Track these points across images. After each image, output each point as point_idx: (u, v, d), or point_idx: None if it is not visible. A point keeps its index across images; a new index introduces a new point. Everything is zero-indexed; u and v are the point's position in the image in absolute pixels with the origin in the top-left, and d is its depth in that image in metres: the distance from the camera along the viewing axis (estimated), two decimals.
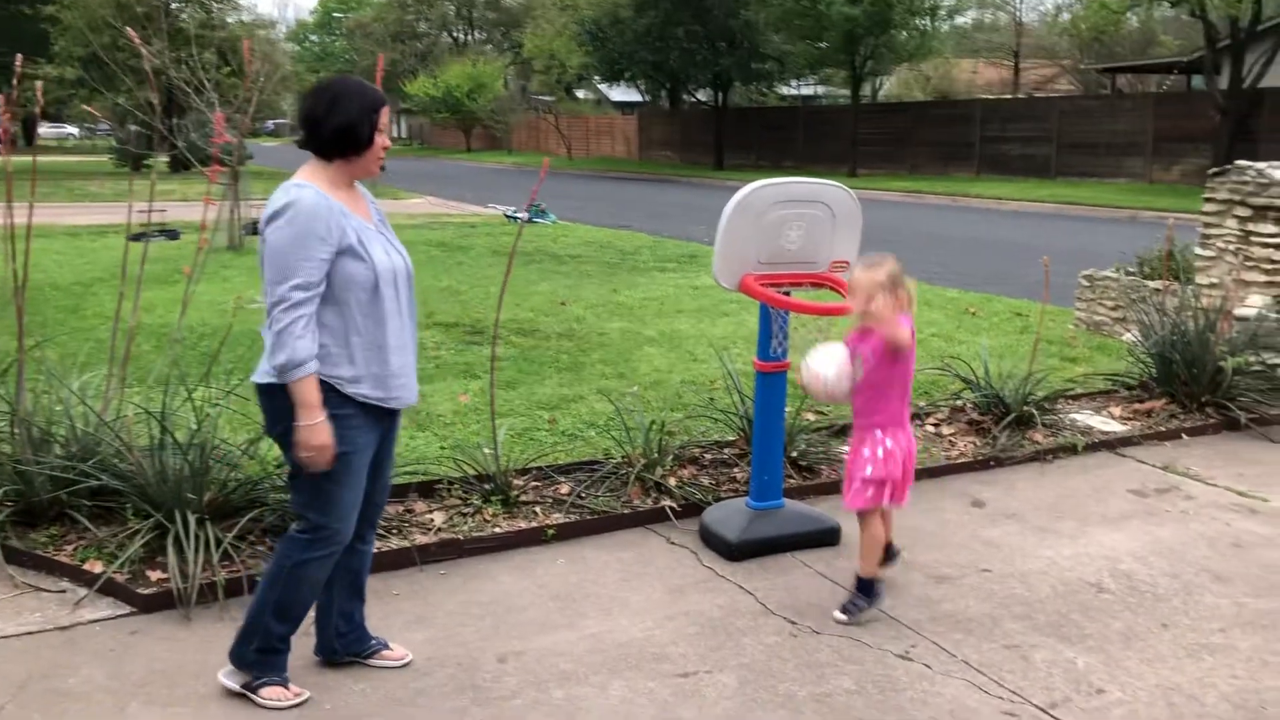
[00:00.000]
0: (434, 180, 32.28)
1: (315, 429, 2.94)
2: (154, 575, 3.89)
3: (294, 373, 2.90)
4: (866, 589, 3.81)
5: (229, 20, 32.27)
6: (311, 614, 3.33)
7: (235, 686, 3.21)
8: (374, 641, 3.45)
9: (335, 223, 2.94)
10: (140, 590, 3.79)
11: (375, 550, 4.13)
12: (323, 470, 3.00)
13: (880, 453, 3.74)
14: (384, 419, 3.17)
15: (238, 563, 3.94)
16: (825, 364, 3.74)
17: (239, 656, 3.21)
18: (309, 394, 2.93)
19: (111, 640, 3.57)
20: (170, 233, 14.59)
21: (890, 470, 3.74)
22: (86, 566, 3.93)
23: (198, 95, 13.06)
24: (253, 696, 3.18)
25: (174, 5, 31.15)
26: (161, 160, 31.38)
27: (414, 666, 3.42)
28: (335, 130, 2.99)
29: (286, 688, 3.19)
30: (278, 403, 2.99)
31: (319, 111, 3.00)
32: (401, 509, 4.55)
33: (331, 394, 2.99)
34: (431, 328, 8.48)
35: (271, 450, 4.67)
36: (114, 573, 3.85)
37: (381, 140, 3.06)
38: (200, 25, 27.91)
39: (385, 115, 3.05)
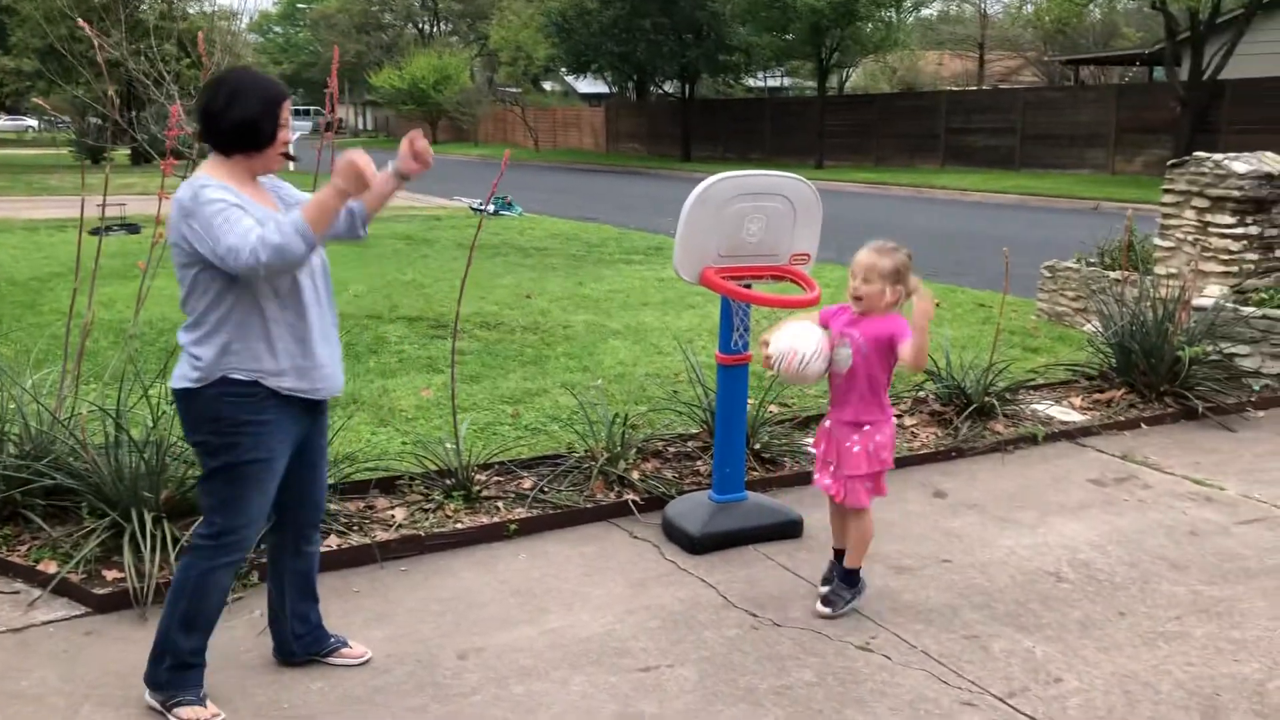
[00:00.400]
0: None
1: (342, 183, 2.81)
2: (110, 575, 3.84)
3: (299, 230, 2.74)
4: (854, 579, 3.81)
5: (190, 11, 31.87)
6: (250, 615, 3.29)
7: (156, 705, 3.12)
8: (332, 640, 3.42)
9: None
10: (95, 590, 3.74)
11: (336, 548, 4.12)
12: (241, 459, 2.94)
13: (871, 447, 3.66)
14: (307, 413, 3.09)
15: None
16: (803, 340, 3.60)
17: (152, 678, 3.11)
18: (328, 203, 2.79)
19: (65, 641, 3.52)
20: (131, 226, 14.42)
21: (885, 463, 3.70)
22: (40, 567, 3.87)
23: (157, 88, 12.90)
24: (169, 717, 3.08)
25: None
26: (122, 153, 30.99)
27: (373, 664, 3.40)
28: (234, 125, 2.89)
29: (204, 705, 3.08)
30: (195, 407, 2.94)
31: (216, 105, 2.89)
32: (363, 505, 4.52)
33: (249, 396, 2.92)
34: (395, 321, 8.43)
35: None
36: (68, 573, 3.80)
37: (284, 135, 2.96)
38: (160, 16, 27.55)
39: (287, 109, 2.97)
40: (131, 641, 3.52)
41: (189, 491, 4.13)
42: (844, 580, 3.82)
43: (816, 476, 3.84)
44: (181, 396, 2.97)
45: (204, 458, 3.02)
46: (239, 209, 2.80)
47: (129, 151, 30.77)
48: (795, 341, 3.60)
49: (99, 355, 6.85)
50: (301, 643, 3.37)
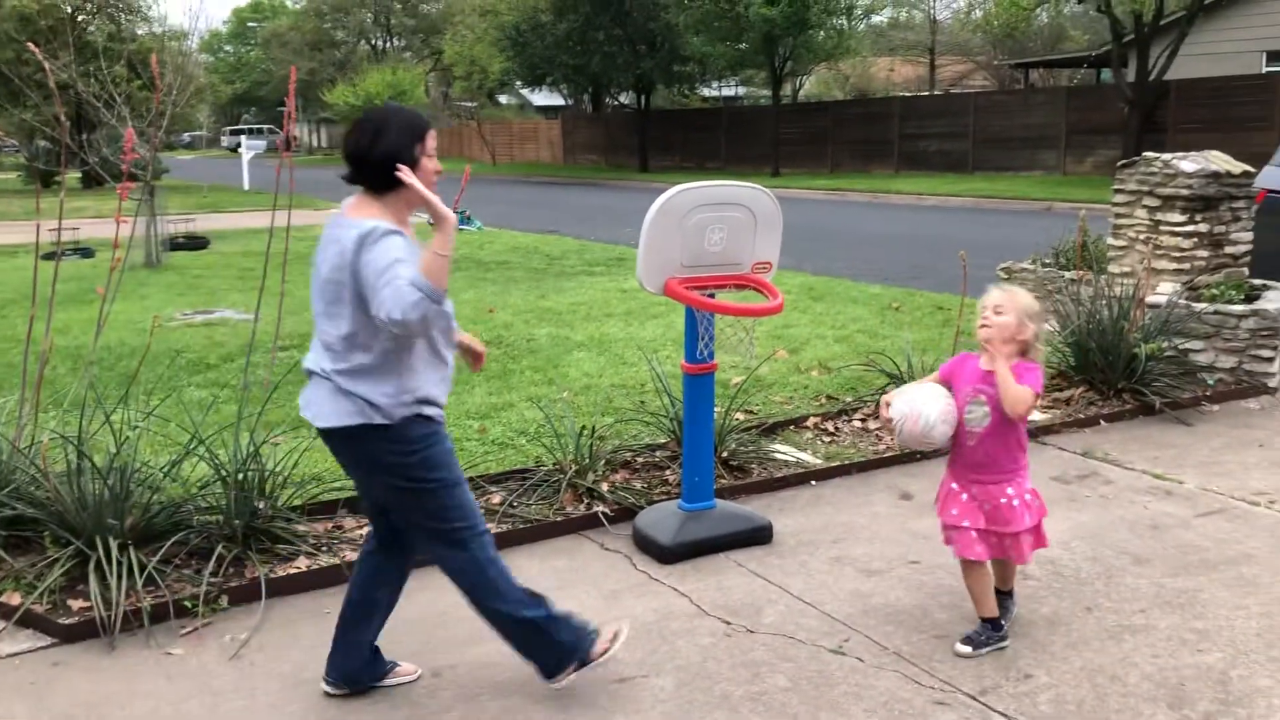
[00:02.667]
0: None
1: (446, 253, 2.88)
2: (76, 604, 3.79)
3: (423, 289, 2.78)
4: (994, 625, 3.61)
5: (139, 33, 31.53)
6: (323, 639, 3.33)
7: (568, 680, 3.24)
8: (387, 662, 3.42)
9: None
10: (61, 620, 3.70)
11: (305, 569, 4.10)
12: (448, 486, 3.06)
13: (1028, 497, 3.54)
14: None
15: (163, 587, 3.87)
16: (928, 404, 3.42)
17: (554, 664, 3.22)
18: (431, 263, 2.82)
19: (32, 674, 3.48)
20: (84, 251, 14.25)
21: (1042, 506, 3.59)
22: (4, 599, 3.82)
23: (108, 109, 12.76)
24: (592, 663, 3.24)
25: (81, 18, 30.36)
26: (74, 176, 30.60)
27: (336, 690, 3.37)
28: (381, 160, 2.93)
29: (599, 632, 3.28)
30: (373, 443, 2.98)
31: (363, 144, 2.95)
32: (331, 525, 4.50)
33: (426, 422, 3.02)
34: None
35: (195, 471, 4.60)
36: (33, 603, 3.75)
37: (431, 165, 3.01)
38: (109, 38, 27.23)
39: (431, 140, 3.01)
40: (100, 671, 3.48)
41: (155, 518, 4.09)
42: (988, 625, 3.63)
43: (974, 549, 3.54)
44: (350, 435, 3.01)
45: (411, 495, 3.07)
46: (405, 264, 2.82)
47: (80, 175, 30.41)
48: (918, 404, 3.44)
49: (57, 382, 6.76)
50: (374, 666, 3.36)
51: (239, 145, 38.92)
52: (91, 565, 3.81)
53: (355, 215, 2.97)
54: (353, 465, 3.13)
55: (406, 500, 3.07)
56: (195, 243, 15.45)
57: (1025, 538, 3.54)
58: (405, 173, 2.93)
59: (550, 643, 3.20)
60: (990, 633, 3.59)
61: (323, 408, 3.01)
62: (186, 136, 72.84)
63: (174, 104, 11.81)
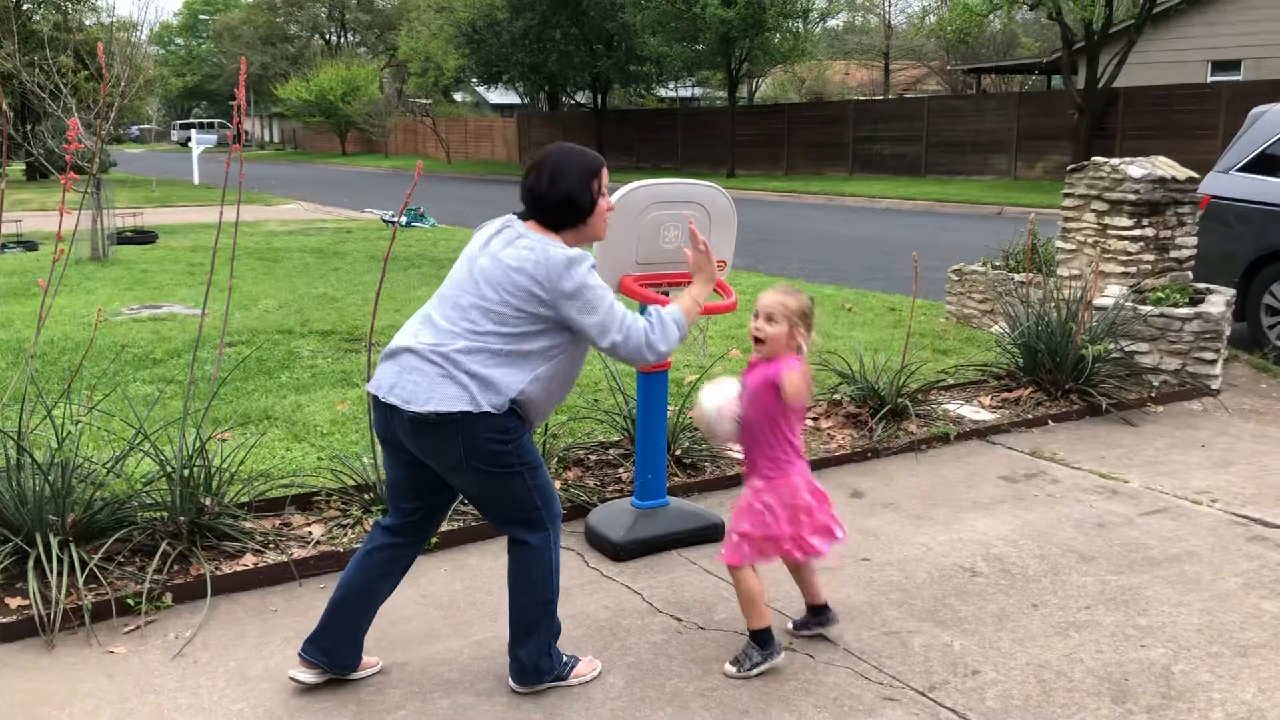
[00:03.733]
0: (308, 185, 31.59)
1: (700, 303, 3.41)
2: (14, 603, 3.71)
3: (680, 328, 3.23)
4: (761, 640, 3.45)
5: (86, 23, 31.00)
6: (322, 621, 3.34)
7: (545, 686, 3.32)
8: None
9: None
10: None
11: (253, 566, 4.04)
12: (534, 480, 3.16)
13: (759, 503, 3.39)
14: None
15: (105, 585, 3.79)
16: (710, 398, 3.42)
17: (542, 672, 3.29)
18: (692, 310, 3.32)
19: None
20: (28, 244, 13.98)
21: (769, 527, 3.37)
22: None
23: (54, 100, 12.52)
24: (568, 683, 3.34)
25: (26, 6, 29.78)
26: (17, 168, 30.01)
27: (294, 683, 3.34)
28: (558, 202, 3.10)
29: (580, 659, 3.41)
30: (481, 429, 3.00)
31: (541, 186, 3.10)
32: (279, 523, 4.44)
33: (518, 420, 3.07)
34: (307, 336, 8.29)
35: (139, 467, 4.52)
36: None
37: (605, 204, 3.19)
38: (55, 28, 26.75)
39: (604, 177, 3.19)
40: (38, 670, 3.40)
41: (97, 514, 4.01)
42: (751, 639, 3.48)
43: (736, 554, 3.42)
44: (455, 421, 3.01)
45: (500, 479, 3.12)
46: (616, 300, 3.13)
47: (24, 166, 29.84)
48: (703, 399, 3.43)
49: None
50: (357, 653, 3.36)
51: (189, 139, 38.41)
52: (30, 562, 3.73)
53: (543, 234, 3.11)
54: (440, 454, 3.07)
55: (493, 486, 3.11)
56: (143, 237, 15.21)
57: (732, 536, 3.41)
58: (702, 253, 3.41)
59: (549, 649, 3.30)
60: (757, 649, 3.44)
61: (419, 390, 3.00)
62: (135, 130, 71.77)
63: (122, 96, 11.63)
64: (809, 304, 3.47)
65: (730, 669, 3.42)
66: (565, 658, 3.38)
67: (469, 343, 3.01)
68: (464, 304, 3.06)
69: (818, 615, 3.67)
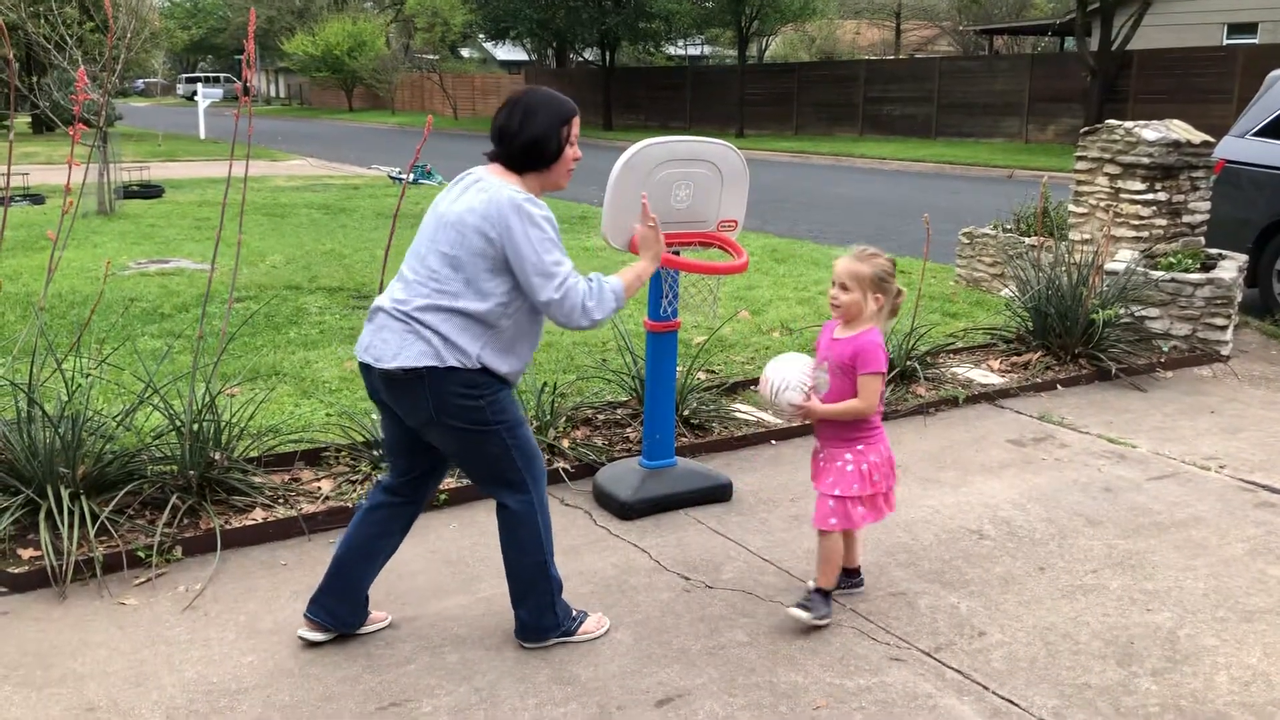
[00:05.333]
0: (315, 141, 31.43)
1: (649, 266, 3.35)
2: (26, 554, 3.73)
3: (618, 299, 3.13)
4: (828, 598, 3.53)
5: None
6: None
7: (552, 641, 3.33)
8: (366, 611, 3.45)
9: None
10: (11, 569, 3.64)
11: (262, 520, 4.06)
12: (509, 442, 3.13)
13: (865, 466, 3.43)
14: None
15: (116, 537, 3.82)
16: (781, 370, 3.43)
17: (545, 629, 3.30)
18: (634, 285, 3.22)
19: None
20: (35, 197, 13.95)
21: (876, 485, 3.45)
22: None
23: (59, 52, 12.43)
24: (575, 639, 3.34)
25: None
26: (23, 121, 29.88)
27: (323, 634, 3.35)
28: (525, 143, 3.06)
29: (586, 615, 3.41)
30: (448, 383, 3.00)
31: (513, 126, 3.07)
32: (288, 478, 4.46)
33: (490, 378, 3.05)
34: (315, 292, 8.28)
35: (148, 421, 4.53)
36: None
37: (571, 152, 3.14)
38: None
39: (575, 126, 3.14)
40: (50, 621, 3.43)
41: (107, 467, 4.03)
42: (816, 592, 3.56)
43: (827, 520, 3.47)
44: (420, 377, 3.02)
45: (469, 435, 3.11)
46: (565, 257, 3.06)
47: (30, 119, 29.72)
48: (773, 370, 3.45)
49: (6, 329, 6.63)
50: (362, 611, 3.38)
51: (195, 93, 38.16)
52: (42, 514, 3.75)
53: (501, 178, 3.07)
54: (412, 411, 3.08)
55: (469, 444, 3.10)
56: (149, 191, 15.16)
57: (824, 502, 3.44)
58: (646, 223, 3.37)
59: (552, 605, 3.30)
60: (823, 603, 3.52)
61: (388, 348, 3.02)
62: (141, 83, 71.35)
63: (128, 48, 11.54)
64: (885, 268, 3.39)
65: (802, 614, 3.46)
66: (575, 612, 3.39)
67: (430, 298, 3.01)
68: (424, 253, 3.08)
69: (851, 577, 3.72)
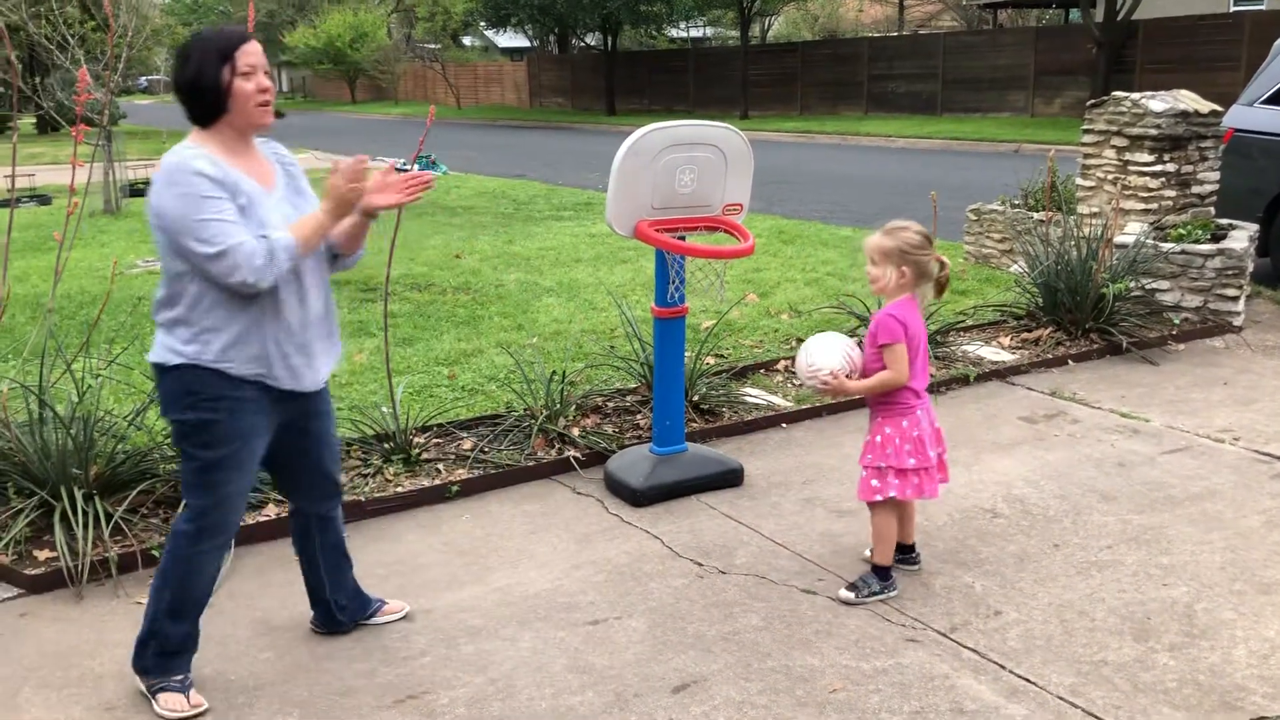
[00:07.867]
0: (318, 134, 31.40)
1: (336, 209, 2.86)
2: (41, 555, 3.75)
3: (289, 252, 2.75)
4: (883, 574, 3.59)
5: None
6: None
7: (143, 690, 3.05)
8: (374, 602, 3.44)
9: (218, 179, 2.72)
10: (27, 571, 3.66)
11: (275, 516, 4.07)
12: (210, 459, 2.85)
13: (879, 437, 3.50)
14: (280, 402, 2.94)
15: (130, 537, 3.83)
16: (817, 349, 3.47)
17: (139, 663, 3.03)
18: (314, 236, 2.83)
19: None
20: (41, 198, 13.96)
21: (927, 457, 3.48)
22: None
23: (61, 52, 12.44)
24: (152, 702, 3.00)
25: None
26: (27, 122, 29.93)
27: (319, 632, 3.37)
28: (186, 93, 2.75)
29: (186, 696, 2.98)
30: (169, 384, 2.84)
31: (177, 76, 2.76)
32: None
33: (216, 377, 2.81)
34: None
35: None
36: None
37: (246, 86, 2.74)
38: None
39: (247, 56, 2.74)
40: (68, 621, 3.45)
41: (120, 466, 4.04)
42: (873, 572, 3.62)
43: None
44: (157, 370, 2.88)
45: (178, 441, 2.93)
46: (219, 200, 2.69)
47: (34, 120, 29.76)
48: (808, 348, 3.49)
49: (16, 331, 6.65)
50: (347, 613, 3.36)
51: None
52: (57, 515, 3.76)
53: (188, 140, 2.78)
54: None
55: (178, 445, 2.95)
56: None
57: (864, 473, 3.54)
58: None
59: (154, 654, 3.02)
60: (878, 579, 3.58)
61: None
62: (144, 81, 71.35)
63: (130, 46, 11.54)
64: (910, 240, 3.41)
65: (847, 594, 3.52)
66: (168, 680, 3.01)
67: (159, 290, 2.88)
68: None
69: (906, 554, 3.73)
